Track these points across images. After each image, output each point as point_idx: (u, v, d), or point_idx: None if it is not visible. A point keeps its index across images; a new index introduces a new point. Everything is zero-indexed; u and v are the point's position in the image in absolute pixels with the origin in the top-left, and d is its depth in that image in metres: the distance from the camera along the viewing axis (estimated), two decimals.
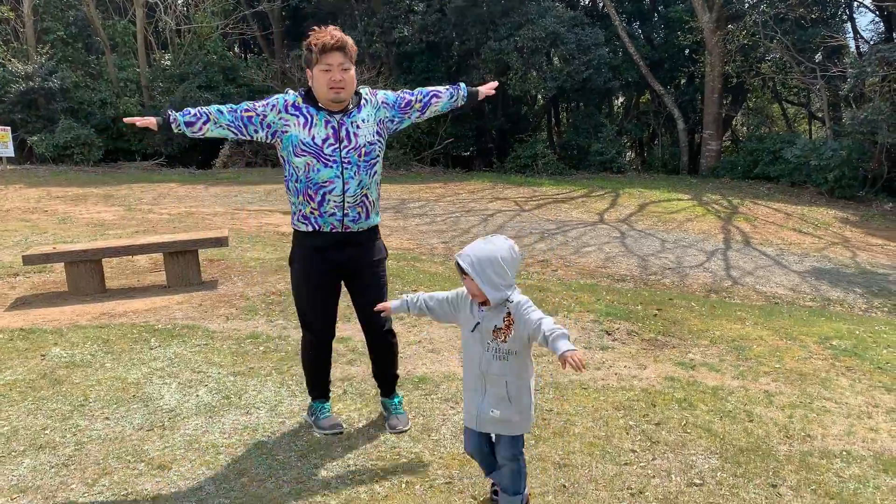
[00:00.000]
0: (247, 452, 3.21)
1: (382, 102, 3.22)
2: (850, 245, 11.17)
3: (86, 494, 2.86)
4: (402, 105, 3.26)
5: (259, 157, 20.00)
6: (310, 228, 3.17)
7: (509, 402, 2.56)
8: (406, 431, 3.41)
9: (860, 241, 11.53)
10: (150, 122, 3.16)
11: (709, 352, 4.76)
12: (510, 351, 2.54)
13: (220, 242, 6.54)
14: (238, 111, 3.12)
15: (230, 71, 20.46)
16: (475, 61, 20.52)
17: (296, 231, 3.27)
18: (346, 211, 3.13)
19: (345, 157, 3.08)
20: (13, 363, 4.34)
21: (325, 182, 3.08)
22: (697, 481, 2.99)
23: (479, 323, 2.57)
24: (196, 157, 19.75)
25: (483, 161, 22.48)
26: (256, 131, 3.13)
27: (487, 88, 3.40)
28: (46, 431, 3.41)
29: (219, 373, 4.16)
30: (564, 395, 3.89)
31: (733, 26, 18.36)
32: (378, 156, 3.19)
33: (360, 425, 3.50)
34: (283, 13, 24.08)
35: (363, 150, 3.11)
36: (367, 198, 3.19)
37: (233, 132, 3.14)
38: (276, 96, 3.16)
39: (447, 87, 3.37)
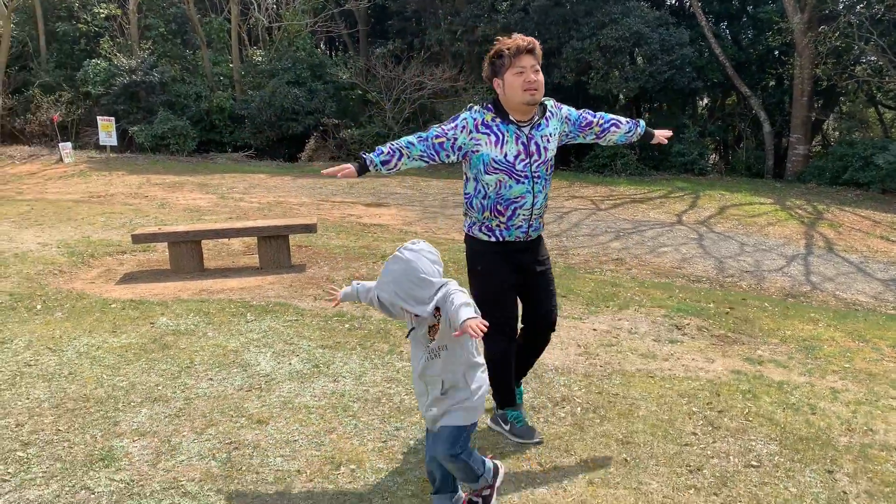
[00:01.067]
0: (335, 414, 3.54)
1: (566, 117, 3.22)
2: None
3: (195, 441, 3.24)
4: (583, 124, 3.25)
5: (342, 152, 20.65)
6: (493, 239, 3.16)
7: (445, 396, 2.49)
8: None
9: None
10: (350, 170, 3.03)
11: (778, 349, 4.83)
12: (440, 347, 2.45)
13: (309, 229, 6.97)
14: (429, 139, 3.06)
15: (318, 68, 21.17)
16: (556, 60, 20.56)
17: (474, 239, 3.22)
18: (531, 223, 3.16)
19: (535, 172, 3.08)
20: (127, 329, 4.83)
21: (517, 198, 3.07)
22: (755, 463, 3.13)
23: (413, 328, 2.51)
24: (283, 150, 20.54)
25: (560, 159, 22.49)
26: (448, 156, 3.08)
27: (662, 135, 3.43)
28: (159, 387, 3.83)
29: (309, 345, 4.53)
30: (630, 382, 4.07)
31: (826, 27, 17.80)
32: (551, 169, 3.21)
33: None
34: (369, 11, 24.72)
35: (549, 163, 3.14)
36: (543, 210, 3.25)
37: (426, 161, 3.10)
38: (463, 116, 3.09)
39: (627, 120, 3.33)
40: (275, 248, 6.84)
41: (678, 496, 2.86)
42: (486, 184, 3.07)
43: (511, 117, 3.04)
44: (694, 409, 3.70)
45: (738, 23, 23.04)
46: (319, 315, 5.23)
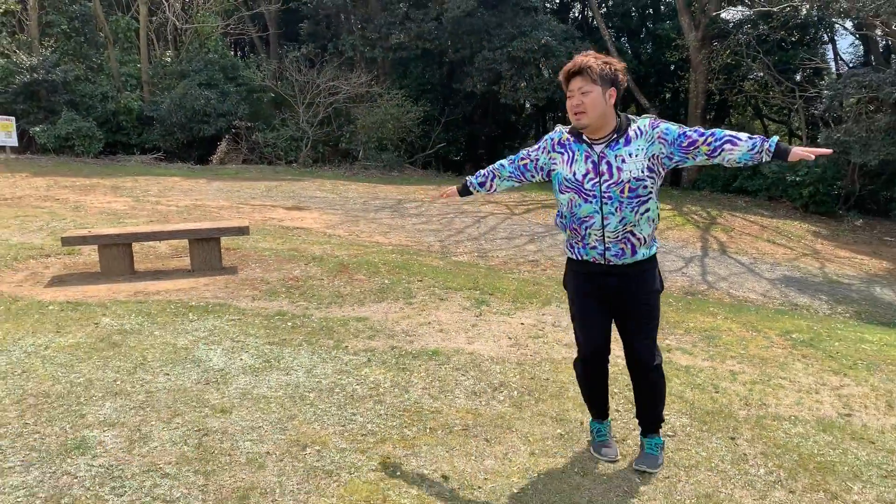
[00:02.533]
0: (293, 403, 3.80)
1: (659, 137, 2.95)
2: (819, 256, 11.93)
3: (165, 429, 3.43)
4: (685, 144, 2.93)
5: (255, 155, 20.52)
6: (575, 257, 3.19)
7: None
8: (652, 474, 3.23)
9: (830, 254, 12.30)
10: (452, 191, 3.50)
11: (683, 339, 5.42)
12: None
13: (241, 231, 7.11)
14: (516, 161, 3.26)
15: (229, 70, 20.95)
16: (469, 69, 21.18)
17: (567, 256, 3.28)
18: (606, 245, 3.05)
19: (605, 192, 2.98)
20: (72, 329, 4.89)
21: (586, 217, 3.03)
22: (670, 433, 3.62)
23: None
24: (194, 152, 20.21)
25: (474, 166, 23.12)
26: (533, 176, 3.23)
27: (805, 153, 2.76)
28: (118, 382, 3.98)
29: (256, 342, 4.75)
30: (559, 368, 4.50)
31: (718, 45, 19.19)
32: (649, 193, 2.99)
33: (387, 385, 4.10)
34: (280, 15, 24.63)
35: (627, 185, 2.95)
36: (634, 235, 3.03)
37: (515, 181, 3.30)
38: (546, 137, 3.19)
39: (749, 136, 2.88)
40: (207, 250, 6.95)
41: (610, 463, 3.30)
42: (562, 202, 3.12)
43: (584, 136, 3.03)
44: (615, 390, 4.17)
45: (639, 38, 24.42)
46: (260, 314, 5.44)
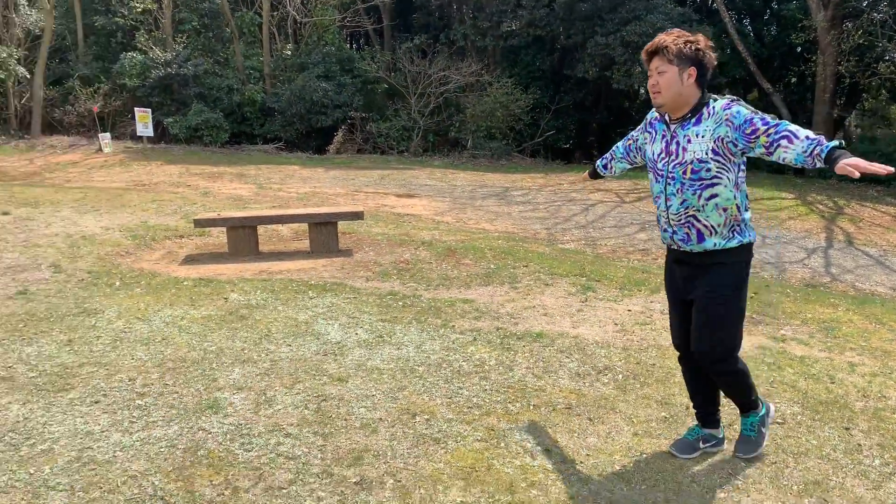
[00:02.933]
0: (403, 375, 4.00)
1: (727, 119, 2.80)
2: None
3: (287, 394, 3.71)
4: (748, 131, 2.75)
5: (368, 145, 21.14)
6: (663, 241, 3.16)
7: None
8: (748, 459, 3.19)
9: None
10: (586, 175, 3.80)
11: (800, 330, 5.24)
12: None
13: (357, 216, 7.44)
14: (625, 141, 3.41)
15: (346, 62, 21.64)
16: (580, 55, 20.91)
17: None
18: (673, 228, 3.00)
19: (670, 172, 2.94)
20: (204, 303, 5.32)
21: (656, 197, 3.04)
22: (780, 421, 3.56)
23: None
24: (311, 142, 21.06)
25: (584, 154, 22.85)
26: (636, 157, 3.36)
27: (851, 168, 2.43)
28: (245, 351, 4.31)
29: (370, 319, 4.99)
30: (666, 355, 4.48)
31: (849, 25, 18.02)
32: (714, 177, 2.85)
33: (491, 363, 4.23)
34: (394, 7, 25.16)
35: (689, 167, 2.87)
36: (697, 220, 2.92)
37: (626, 162, 3.43)
38: (647, 116, 3.21)
39: (807, 135, 2.63)
40: (325, 234, 7.32)
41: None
42: (649, 180, 3.11)
43: (665, 116, 3.00)
44: None
45: (762, 20, 23.26)
46: (374, 293, 5.69)
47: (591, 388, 3.93)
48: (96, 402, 3.57)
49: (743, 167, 2.92)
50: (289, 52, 22.39)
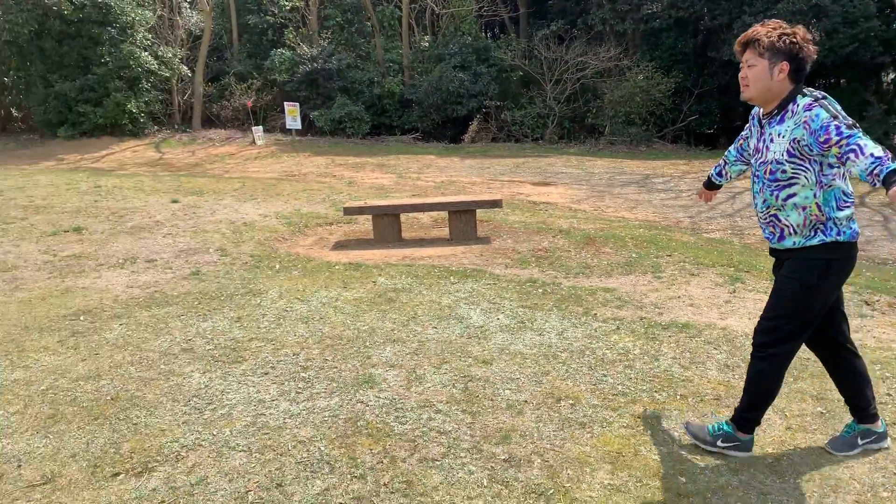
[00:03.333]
0: (546, 360, 4.08)
1: (805, 122, 2.72)
2: None
3: (435, 373, 3.89)
4: (821, 139, 2.67)
5: (503, 133, 21.25)
6: None
7: None
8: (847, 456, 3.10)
9: None
10: (703, 190, 3.65)
11: None
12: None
13: (494, 204, 7.57)
14: (737, 142, 3.32)
15: (482, 51, 21.83)
16: (726, 36, 19.93)
17: None
18: (761, 225, 3.04)
19: (757, 170, 2.96)
20: (355, 286, 5.63)
21: (754, 194, 3.05)
22: None
23: None
24: (447, 132, 21.44)
25: (728, 140, 21.78)
26: (750, 156, 3.14)
27: None
28: (395, 332, 4.55)
29: (510, 305, 5.11)
30: None
31: None
32: (791, 178, 2.81)
33: (636, 353, 4.22)
34: None
35: (769, 167, 2.86)
36: (779, 219, 2.91)
37: (743, 163, 3.33)
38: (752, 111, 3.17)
39: (872, 152, 2.53)
40: (464, 221, 7.50)
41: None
42: None
43: (759, 111, 2.97)
44: (887, 374, 3.89)
45: None
46: (513, 280, 5.80)
47: (741, 381, 3.83)
48: (266, 374, 3.91)
49: (833, 165, 2.76)
50: (426, 44, 22.86)
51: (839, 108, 2.72)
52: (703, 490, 2.81)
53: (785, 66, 2.76)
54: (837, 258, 2.86)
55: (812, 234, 2.85)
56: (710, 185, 3.58)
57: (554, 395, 3.62)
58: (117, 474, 2.94)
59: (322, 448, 3.12)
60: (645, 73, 20.01)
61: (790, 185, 2.82)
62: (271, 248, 7.09)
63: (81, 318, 4.93)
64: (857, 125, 2.66)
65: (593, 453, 3.07)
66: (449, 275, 5.98)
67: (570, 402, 3.56)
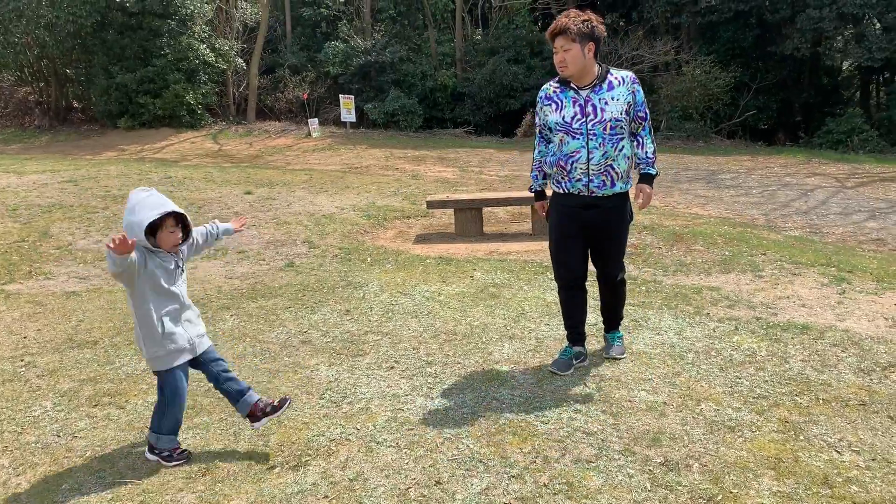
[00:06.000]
0: (674, 361, 3.98)
1: (633, 91, 3.54)
2: None
3: (556, 372, 3.83)
4: (639, 113, 3.59)
5: None
6: (562, 191, 3.68)
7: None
8: (620, 359, 3.95)
9: None
10: (536, 202, 4.06)
11: None
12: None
13: None
14: (539, 137, 3.81)
15: (536, 44, 21.64)
16: (788, 30, 19.51)
17: (553, 192, 3.78)
18: (590, 178, 3.55)
19: (590, 130, 3.51)
20: (454, 280, 5.59)
21: (573, 152, 3.54)
22: None
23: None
24: (499, 126, 21.32)
25: (788, 135, 21.33)
26: (547, 135, 3.73)
27: (641, 196, 3.71)
28: (508, 328, 4.50)
29: None
30: None
31: None
32: (623, 134, 3.54)
33: (763, 354, 4.10)
34: None
35: (609, 124, 3.49)
36: (613, 168, 3.55)
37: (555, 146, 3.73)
38: (537, 99, 3.74)
39: (650, 149, 3.65)
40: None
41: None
42: (553, 143, 3.64)
43: (571, 84, 3.54)
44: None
45: None
46: None
47: (882, 385, 3.70)
48: (391, 368, 3.89)
49: None
50: (479, 38, 22.74)
51: None
52: (876, 500, 2.71)
53: (591, 46, 3.46)
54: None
55: (627, 179, 3.65)
56: (542, 196, 3.97)
57: (692, 397, 3.53)
58: (273, 467, 2.93)
59: (471, 445, 3.08)
60: (702, 68, 19.65)
61: (623, 139, 3.56)
62: (356, 240, 7.09)
63: None
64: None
65: (752, 458, 2.98)
66: (544, 270, 5.90)
67: (712, 404, 3.46)
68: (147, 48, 19.13)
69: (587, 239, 3.75)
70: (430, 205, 7.47)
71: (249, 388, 3.07)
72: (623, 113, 3.51)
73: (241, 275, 5.84)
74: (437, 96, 21.57)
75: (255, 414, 3.03)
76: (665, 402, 3.48)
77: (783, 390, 3.63)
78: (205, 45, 19.86)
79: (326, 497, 2.73)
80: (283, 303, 5.06)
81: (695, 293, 5.28)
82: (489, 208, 8.71)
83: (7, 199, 9.03)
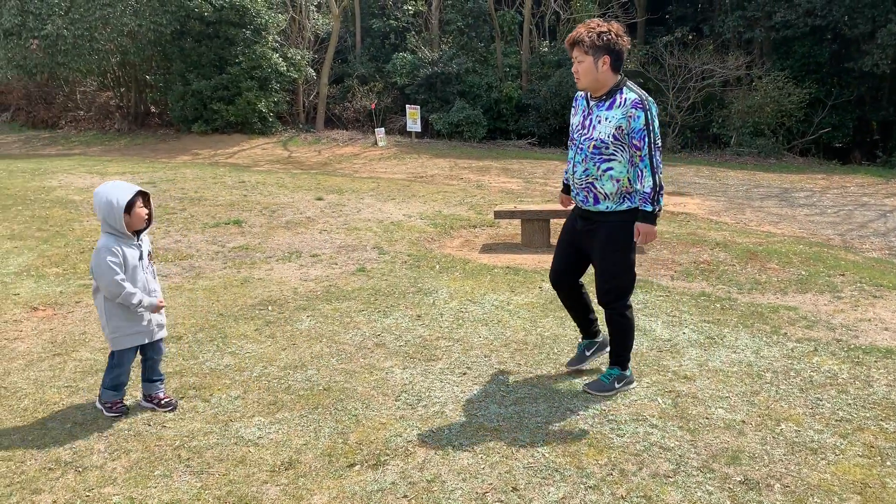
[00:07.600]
0: (751, 380, 3.91)
1: (629, 116, 3.34)
2: None
3: (638, 385, 3.80)
4: (635, 141, 3.37)
5: None
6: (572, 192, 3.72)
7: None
8: (592, 396, 3.64)
9: None
10: (562, 196, 3.97)
11: None
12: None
13: None
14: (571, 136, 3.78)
15: None
16: (868, 46, 18.88)
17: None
18: (577, 190, 3.57)
19: (581, 143, 3.50)
20: (522, 290, 5.61)
21: (569, 160, 3.63)
22: None
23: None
24: (563, 138, 21.21)
25: (864, 154, 20.62)
26: (574, 129, 3.68)
27: (640, 237, 3.48)
28: (578, 339, 4.48)
29: (692, 319, 4.95)
30: None
31: None
32: (611, 156, 3.40)
33: (844, 377, 3.99)
34: (647, 1, 24.48)
35: (594, 143, 3.41)
36: (595, 187, 3.46)
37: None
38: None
39: (647, 186, 3.39)
40: None
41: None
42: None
43: (590, 94, 3.50)
44: None
45: None
46: (685, 293, 5.63)
47: None
48: (464, 374, 3.94)
49: None
50: (545, 49, 22.73)
51: (656, 117, 3.36)
52: None
53: (606, 58, 3.35)
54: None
55: (619, 200, 3.47)
56: (568, 190, 3.83)
57: (772, 417, 3.46)
58: (353, 465, 3.00)
59: (546, 454, 3.09)
60: (776, 83, 19.19)
61: (610, 160, 3.42)
62: (425, 248, 7.18)
63: (269, 308, 5.13)
64: (659, 146, 3.39)
65: (836, 482, 2.91)
66: None
67: (792, 425, 3.39)
68: (222, 56, 19.75)
69: (579, 250, 3.71)
70: (498, 215, 7.51)
71: (162, 379, 3.56)
72: (610, 136, 3.37)
73: (315, 277, 5.98)
74: (502, 107, 21.62)
75: (148, 396, 3.51)
76: (743, 421, 3.42)
77: (867, 414, 3.53)
78: (277, 55, 20.39)
79: (406, 497, 2.78)
80: (357, 306, 5.16)
81: (771, 312, 5.17)
82: (556, 220, 8.71)
83: (92, 198, 9.46)
